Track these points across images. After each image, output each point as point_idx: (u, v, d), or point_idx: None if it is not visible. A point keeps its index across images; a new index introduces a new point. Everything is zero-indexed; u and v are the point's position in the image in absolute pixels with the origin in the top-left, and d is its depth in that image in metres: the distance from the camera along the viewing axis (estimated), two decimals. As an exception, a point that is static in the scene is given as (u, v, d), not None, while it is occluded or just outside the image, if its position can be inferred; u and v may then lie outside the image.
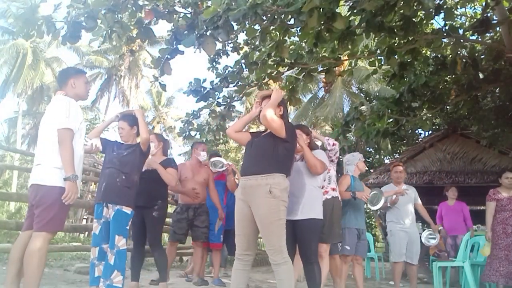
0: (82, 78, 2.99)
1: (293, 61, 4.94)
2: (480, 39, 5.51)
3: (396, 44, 4.85)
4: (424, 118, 6.62)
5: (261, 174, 2.63)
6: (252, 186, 2.63)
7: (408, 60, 5.30)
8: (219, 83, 5.08)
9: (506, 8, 4.63)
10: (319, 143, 3.87)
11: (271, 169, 2.65)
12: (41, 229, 2.58)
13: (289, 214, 2.93)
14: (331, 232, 3.51)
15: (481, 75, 5.77)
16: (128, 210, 3.27)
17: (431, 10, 4.16)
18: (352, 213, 4.11)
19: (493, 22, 4.56)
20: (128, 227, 3.32)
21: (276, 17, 3.57)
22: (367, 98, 14.93)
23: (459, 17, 7.09)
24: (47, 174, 2.64)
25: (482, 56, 5.99)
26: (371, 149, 16.00)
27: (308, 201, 3.03)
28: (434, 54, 6.15)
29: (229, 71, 5.08)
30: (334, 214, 3.55)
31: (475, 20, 5.33)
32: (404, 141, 14.48)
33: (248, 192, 2.65)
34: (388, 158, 15.33)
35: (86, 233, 10.54)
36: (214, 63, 5.23)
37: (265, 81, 5.30)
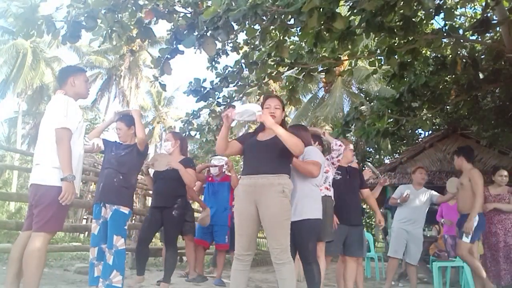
0: (81, 76, 2.93)
1: (293, 61, 4.94)
2: (480, 39, 5.51)
3: (396, 44, 4.85)
4: (424, 118, 6.62)
5: (272, 173, 2.62)
6: (264, 185, 2.60)
7: (408, 60, 5.30)
8: (219, 83, 5.08)
9: (506, 8, 4.63)
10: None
11: (281, 170, 2.67)
12: (40, 230, 2.56)
13: None
14: (324, 230, 3.49)
15: (481, 75, 5.77)
16: (125, 210, 3.27)
17: (431, 10, 4.16)
18: None
19: (493, 22, 4.55)
20: (126, 227, 3.32)
21: (276, 17, 3.57)
22: (367, 98, 14.92)
23: (459, 17, 7.09)
24: (46, 174, 2.62)
25: (482, 56, 5.99)
26: (371, 149, 16.01)
27: (301, 202, 3.00)
28: (434, 54, 6.16)
29: (229, 71, 5.07)
30: (327, 213, 3.52)
31: (475, 20, 5.33)
32: (404, 141, 14.50)
33: (259, 191, 2.61)
34: (388, 158, 15.33)
35: (86, 233, 10.55)
36: (213, 63, 5.23)
37: (265, 81, 5.30)
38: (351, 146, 4.03)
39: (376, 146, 14.00)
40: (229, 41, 4.94)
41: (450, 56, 5.43)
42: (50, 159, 2.63)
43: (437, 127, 12.12)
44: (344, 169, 3.91)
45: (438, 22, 18.78)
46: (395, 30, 4.10)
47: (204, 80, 5.01)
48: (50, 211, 2.58)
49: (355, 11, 3.88)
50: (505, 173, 4.73)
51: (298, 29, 4.22)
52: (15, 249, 2.67)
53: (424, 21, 4.78)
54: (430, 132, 11.77)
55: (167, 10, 4.10)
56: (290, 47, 5.19)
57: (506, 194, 4.63)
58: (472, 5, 7.05)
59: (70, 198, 2.60)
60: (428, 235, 6.77)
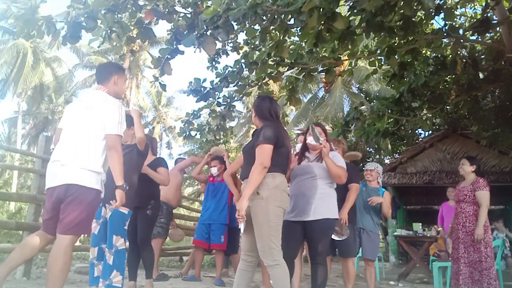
0: (124, 76, 2.86)
1: (293, 61, 4.94)
2: (480, 39, 5.51)
3: (396, 44, 4.85)
4: (424, 118, 6.62)
5: (248, 177, 2.62)
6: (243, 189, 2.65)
7: (408, 60, 5.30)
8: (219, 83, 5.09)
9: (506, 8, 4.63)
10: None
11: None
12: (68, 232, 2.41)
13: (301, 215, 2.95)
14: None
15: (481, 75, 5.77)
16: (125, 210, 3.26)
17: (431, 10, 4.16)
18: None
19: (493, 22, 4.56)
20: (126, 227, 3.32)
21: (276, 17, 3.58)
22: (367, 98, 14.91)
23: (459, 17, 7.09)
24: (83, 175, 2.48)
25: (482, 56, 6.00)
26: (371, 149, 16.00)
27: (320, 202, 2.98)
28: (434, 54, 6.16)
29: (229, 71, 5.08)
30: None
31: (475, 20, 5.33)
32: (404, 141, 14.48)
33: None
34: (388, 158, 15.32)
35: (86, 233, 10.54)
36: (213, 63, 5.24)
37: (265, 81, 5.31)
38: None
39: (376, 146, 13.97)
40: (229, 41, 4.95)
41: (450, 56, 5.43)
42: (85, 160, 2.49)
43: (437, 127, 12.10)
44: None
45: (438, 22, 18.76)
46: (395, 30, 4.10)
47: (204, 80, 5.02)
48: (84, 213, 2.46)
49: (355, 11, 3.89)
50: (465, 162, 4.34)
51: (298, 29, 4.23)
52: (28, 249, 2.50)
53: (424, 21, 4.79)
54: (430, 132, 11.76)
55: (167, 10, 4.11)
56: (290, 47, 5.18)
57: (468, 186, 4.23)
58: (472, 5, 7.06)
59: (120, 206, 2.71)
60: (428, 235, 6.76)
